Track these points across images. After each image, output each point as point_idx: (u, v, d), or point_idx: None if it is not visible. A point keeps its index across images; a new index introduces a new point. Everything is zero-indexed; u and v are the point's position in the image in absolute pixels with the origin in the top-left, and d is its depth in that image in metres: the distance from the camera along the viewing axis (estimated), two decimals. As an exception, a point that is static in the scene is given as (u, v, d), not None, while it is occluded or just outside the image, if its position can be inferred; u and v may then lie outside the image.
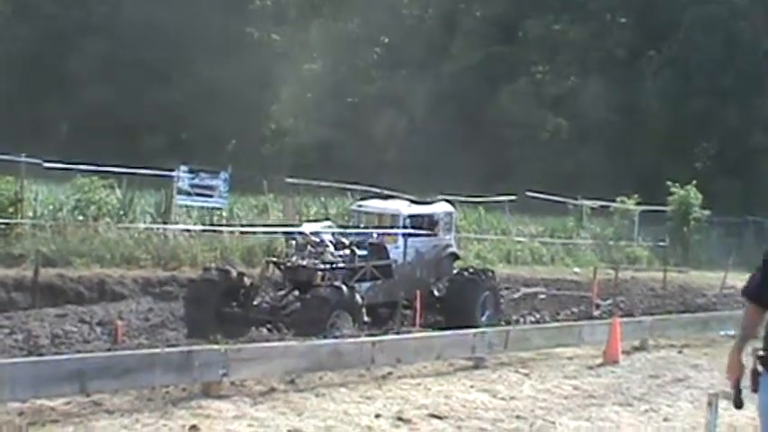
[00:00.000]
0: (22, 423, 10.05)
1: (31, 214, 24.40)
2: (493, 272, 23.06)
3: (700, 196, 40.23)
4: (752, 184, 49.47)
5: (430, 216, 21.97)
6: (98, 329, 18.42)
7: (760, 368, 6.61)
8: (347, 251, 19.77)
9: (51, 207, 25.65)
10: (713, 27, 55.93)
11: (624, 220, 40.70)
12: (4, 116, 56.89)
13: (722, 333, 19.25)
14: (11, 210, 23.56)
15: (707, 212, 40.34)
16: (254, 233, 26.43)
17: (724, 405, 7.21)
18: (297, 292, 18.86)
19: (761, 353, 6.65)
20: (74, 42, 62.01)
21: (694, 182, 40.57)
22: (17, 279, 20.90)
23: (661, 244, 39.36)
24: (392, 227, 21.10)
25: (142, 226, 25.66)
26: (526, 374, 15.05)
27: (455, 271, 22.10)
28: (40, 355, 14.45)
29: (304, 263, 18.90)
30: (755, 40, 55.97)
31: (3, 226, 22.96)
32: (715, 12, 56.51)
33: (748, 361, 6.78)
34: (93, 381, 10.81)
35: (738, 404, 6.72)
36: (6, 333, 17.50)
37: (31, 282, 20.78)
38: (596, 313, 23.63)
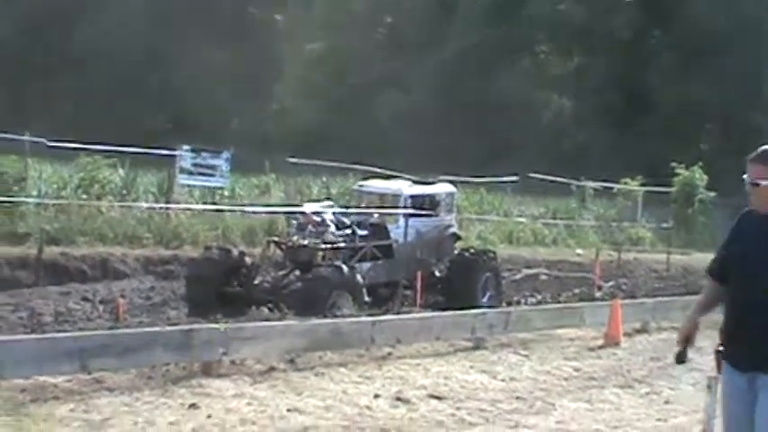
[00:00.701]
0: (24, 399, 10.12)
1: (35, 193, 24.44)
2: (494, 253, 23.09)
3: (705, 177, 40.13)
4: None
5: (431, 196, 22.00)
6: (100, 307, 18.50)
7: (721, 348, 6.56)
8: (348, 231, 19.81)
9: (55, 186, 25.71)
10: (717, 7, 55.72)
11: (627, 201, 40.60)
12: (9, 95, 56.88)
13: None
14: (15, 188, 23.61)
15: (712, 194, 40.20)
16: (255, 213, 26.45)
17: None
18: (298, 272, 18.91)
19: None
20: (78, 21, 61.89)
21: (699, 163, 40.50)
22: (21, 257, 20.97)
23: (664, 226, 39.30)
24: (393, 207, 21.13)
25: (144, 205, 25.71)
26: (526, 356, 15.08)
27: (456, 252, 22.13)
28: (44, 332, 14.53)
29: (305, 242, 18.94)
30: (760, 21, 55.72)
31: (7, 204, 22.99)
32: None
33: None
34: (95, 359, 10.85)
35: (681, 359, 6.69)
36: (10, 310, 17.57)
37: (34, 260, 20.87)
38: (598, 295, 23.64)
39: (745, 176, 6.37)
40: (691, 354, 16.26)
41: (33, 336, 13.20)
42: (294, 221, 20.26)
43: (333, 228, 19.56)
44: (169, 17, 60.02)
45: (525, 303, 22.21)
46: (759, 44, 55.04)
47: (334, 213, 20.36)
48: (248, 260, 19.09)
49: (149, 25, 59.97)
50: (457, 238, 22.90)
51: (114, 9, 61.69)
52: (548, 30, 62.68)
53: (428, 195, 21.95)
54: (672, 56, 57.89)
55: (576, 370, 14.27)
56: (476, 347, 15.20)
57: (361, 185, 23.45)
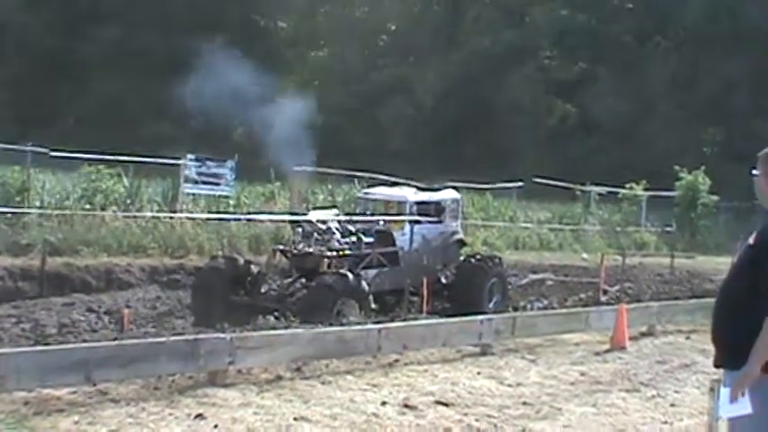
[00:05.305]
0: (27, 412, 10.08)
1: (38, 203, 24.41)
2: (500, 258, 23.09)
3: (708, 181, 40.15)
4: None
5: (437, 203, 21.99)
6: (105, 318, 18.48)
7: None
8: (354, 238, 19.83)
9: (58, 196, 25.66)
10: (719, 13, 55.73)
11: (632, 206, 40.65)
12: (12, 105, 56.90)
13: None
14: (18, 199, 23.60)
15: (715, 198, 40.23)
16: (261, 221, 26.43)
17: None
18: (304, 280, 18.91)
19: None
20: (82, 30, 61.90)
21: (702, 167, 40.51)
22: (24, 268, 20.94)
23: (668, 229, 39.32)
24: (399, 214, 21.12)
25: (149, 214, 25.68)
26: (533, 361, 15.04)
27: (462, 258, 22.13)
28: (48, 344, 14.48)
29: (310, 250, 18.95)
30: (762, 26, 55.61)
31: (10, 215, 22.99)
32: (725, 3, 56.36)
33: None
34: (99, 370, 10.81)
35: None
36: (13, 322, 17.55)
37: (38, 271, 20.83)
38: (604, 299, 23.59)
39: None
40: (695, 356, 16.26)
41: (37, 348, 13.13)
42: (300, 229, 20.24)
43: (338, 235, 19.58)
44: (173, 24, 59.97)
45: (531, 308, 22.21)
46: (762, 50, 55.03)
47: (339, 221, 20.36)
48: (254, 269, 19.09)
49: (153, 33, 59.94)
50: (462, 244, 22.90)
51: (117, 17, 61.70)
52: (551, 36, 62.65)
53: (433, 202, 21.93)
54: (674, 61, 57.85)
55: (583, 374, 14.22)
56: (482, 353, 15.17)
57: (366, 193, 23.50)
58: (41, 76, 59.76)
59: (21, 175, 24.06)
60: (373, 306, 18.21)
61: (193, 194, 27.72)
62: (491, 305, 20.79)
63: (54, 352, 11.58)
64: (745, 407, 6.08)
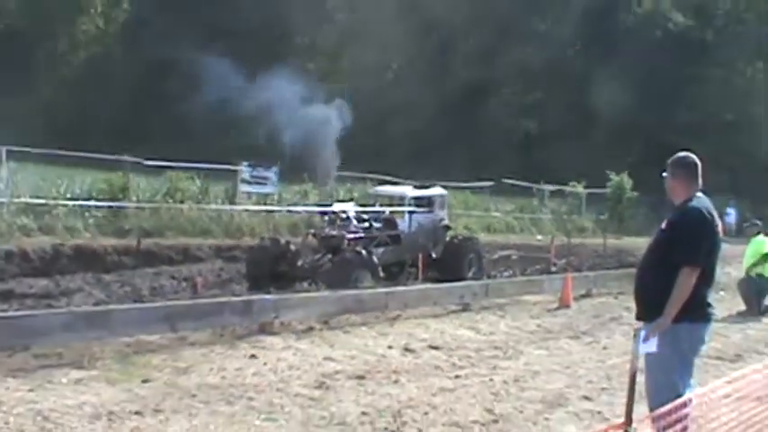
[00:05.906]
0: (129, 352, 10.23)
1: (135, 198, 24.49)
2: (477, 239, 23.16)
3: (631, 182, 40.26)
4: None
5: (429, 197, 22.02)
6: (183, 284, 18.57)
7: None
8: (366, 224, 19.87)
9: (149, 194, 25.71)
10: (641, 58, 56.43)
11: (575, 200, 40.67)
12: (112, 128, 56.85)
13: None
14: (120, 196, 23.72)
15: (636, 194, 40.32)
16: (297, 212, 26.50)
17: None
18: (330, 256, 18.96)
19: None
20: (164, 70, 61.78)
21: (627, 171, 40.68)
22: (125, 246, 21.03)
23: (602, 217, 39.31)
24: (400, 205, 21.18)
25: (215, 206, 25.74)
26: (502, 315, 15.13)
27: (448, 238, 22.14)
28: (143, 302, 14.62)
29: (334, 233, 18.99)
30: (670, 69, 56.05)
31: (115, 208, 23.12)
32: (644, 48, 56.74)
33: None
34: (180, 321, 10.96)
35: None
36: (118, 286, 17.69)
37: (135, 249, 20.94)
38: (554, 269, 23.64)
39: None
40: (621, 312, 16.23)
41: (135, 305, 13.29)
42: (326, 218, 20.30)
43: (355, 222, 19.62)
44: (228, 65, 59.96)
45: (500, 276, 22.23)
46: (670, 86, 55.58)
47: (356, 211, 20.42)
48: (292, 247, 19.12)
49: (216, 79, 59.86)
50: (448, 228, 22.90)
51: (194, 63, 61.54)
52: (517, 70, 62.51)
53: (426, 196, 21.97)
54: (609, 88, 57.76)
55: (539, 326, 14.32)
56: (464, 310, 15.25)
57: (376, 190, 23.59)
58: (136, 105, 59.68)
59: (122, 179, 24.18)
60: (381, 275, 18.27)
61: (247, 192, 27.78)
62: (470, 274, 20.78)
63: (147, 308, 11.72)
64: (652, 346, 6.24)
